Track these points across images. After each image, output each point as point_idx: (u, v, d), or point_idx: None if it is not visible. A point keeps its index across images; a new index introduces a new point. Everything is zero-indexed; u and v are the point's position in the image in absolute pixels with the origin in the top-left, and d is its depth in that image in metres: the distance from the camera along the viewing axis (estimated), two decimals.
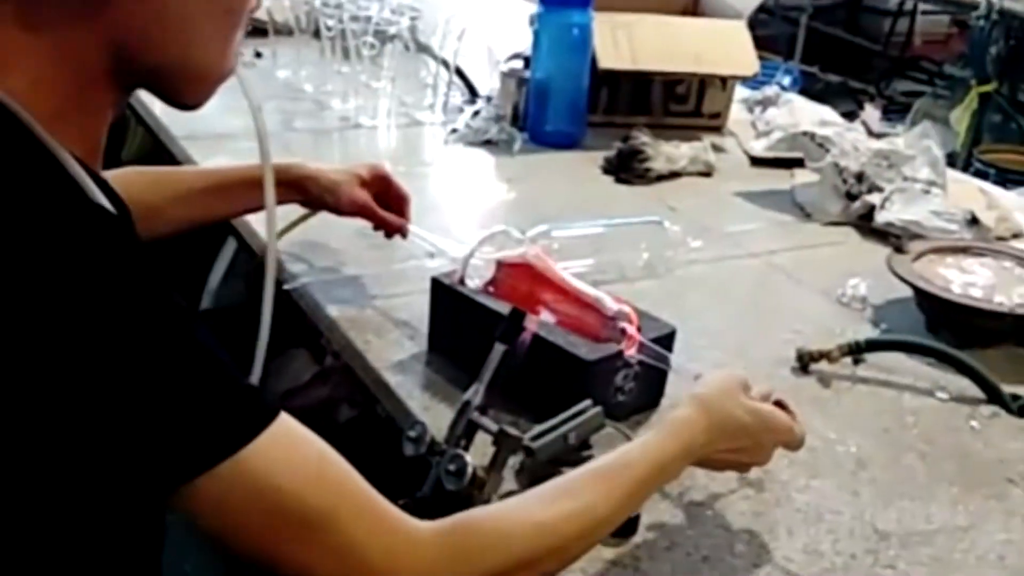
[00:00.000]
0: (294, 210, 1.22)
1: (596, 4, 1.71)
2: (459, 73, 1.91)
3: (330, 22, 1.77)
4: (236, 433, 0.61)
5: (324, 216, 1.23)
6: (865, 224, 1.50)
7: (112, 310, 0.57)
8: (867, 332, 1.22)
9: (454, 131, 1.74)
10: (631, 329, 0.94)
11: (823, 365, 1.12)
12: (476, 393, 0.89)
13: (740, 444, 0.84)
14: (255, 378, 0.85)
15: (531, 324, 0.93)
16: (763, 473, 0.93)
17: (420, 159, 1.70)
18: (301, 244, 1.28)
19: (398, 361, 1.06)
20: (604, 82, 1.80)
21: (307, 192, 1.19)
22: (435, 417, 0.96)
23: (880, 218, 1.47)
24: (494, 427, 0.86)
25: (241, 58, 2.02)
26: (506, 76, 1.79)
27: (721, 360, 1.12)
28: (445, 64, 1.84)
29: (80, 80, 0.66)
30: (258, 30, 2.08)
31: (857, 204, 1.51)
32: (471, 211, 1.52)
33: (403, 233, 1.22)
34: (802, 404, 1.03)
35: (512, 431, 0.86)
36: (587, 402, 0.91)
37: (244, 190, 1.15)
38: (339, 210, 1.20)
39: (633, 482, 0.76)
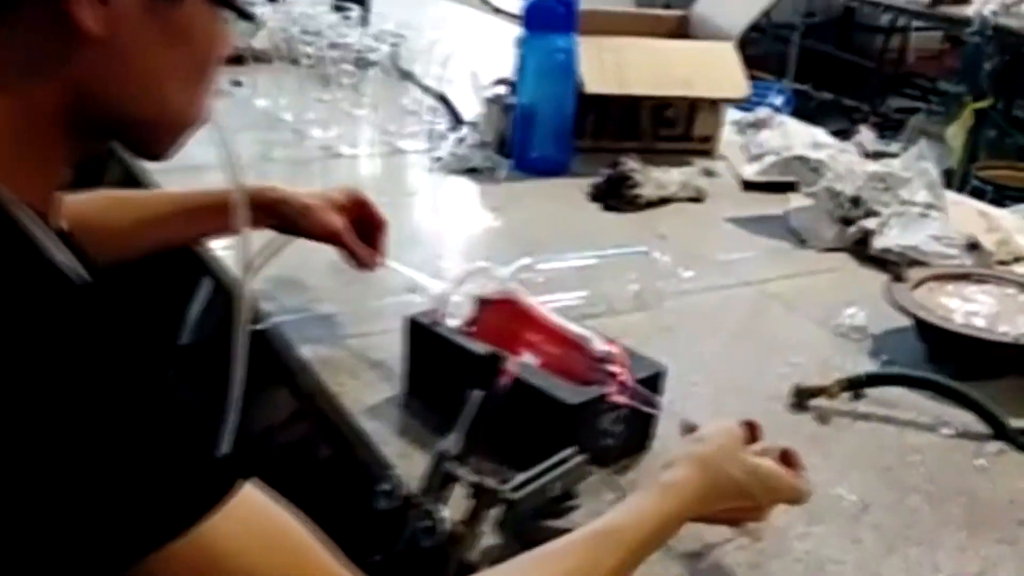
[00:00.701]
0: (266, 236, 1.16)
1: (582, 28, 1.66)
2: (443, 99, 1.87)
3: (309, 49, 1.72)
4: (192, 509, 0.57)
5: (299, 250, 1.17)
6: (862, 250, 1.45)
7: (63, 380, 0.54)
8: (866, 364, 1.17)
9: (438, 159, 1.70)
10: (618, 371, 0.90)
11: (821, 401, 1.07)
12: (452, 442, 0.83)
13: (737, 504, 0.78)
14: (231, 416, 0.81)
15: (511, 367, 0.88)
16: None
17: (403, 188, 1.66)
18: (275, 280, 1.23)
19: (373, 405, 1.01)
20: (591, 107, 1.75)
21: (280, 215, 1.13)
22: (412, 465, 0.91)
23: (877, 244, 1.42)
24: (471, 479, 0.81)
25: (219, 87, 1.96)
26: (491, 102, 1.75)
27: (714, 397, 1.07)
28: (428, 90, 1.80)
29: (36, 132, 0.64)
30: (236, 58, 2.04)
31: (853, 229, 1.46)
32: (455, 242, 1.47)
33: (374, 265, 1.16)
34: (800, 443, 0.98)
35: (490, 483, 0.80)
36: (571, 449, 0.86)
37: (213, 214, 1.11)
38: (311, 234, 1.14)
39: (624, 549, 0.71)
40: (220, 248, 1.29)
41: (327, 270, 1.24)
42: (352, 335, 1.14)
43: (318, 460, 1.41)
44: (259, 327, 1.10)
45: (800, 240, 1.51)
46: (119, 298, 0.65)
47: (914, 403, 1.08)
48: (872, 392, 1.08)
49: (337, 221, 1.14)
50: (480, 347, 0.95)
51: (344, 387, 1.03)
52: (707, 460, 0.77)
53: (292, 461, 1.42)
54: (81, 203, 1.11)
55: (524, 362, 0.92)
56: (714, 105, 1.83)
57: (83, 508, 0.54)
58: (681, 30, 1.94)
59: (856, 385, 1.07)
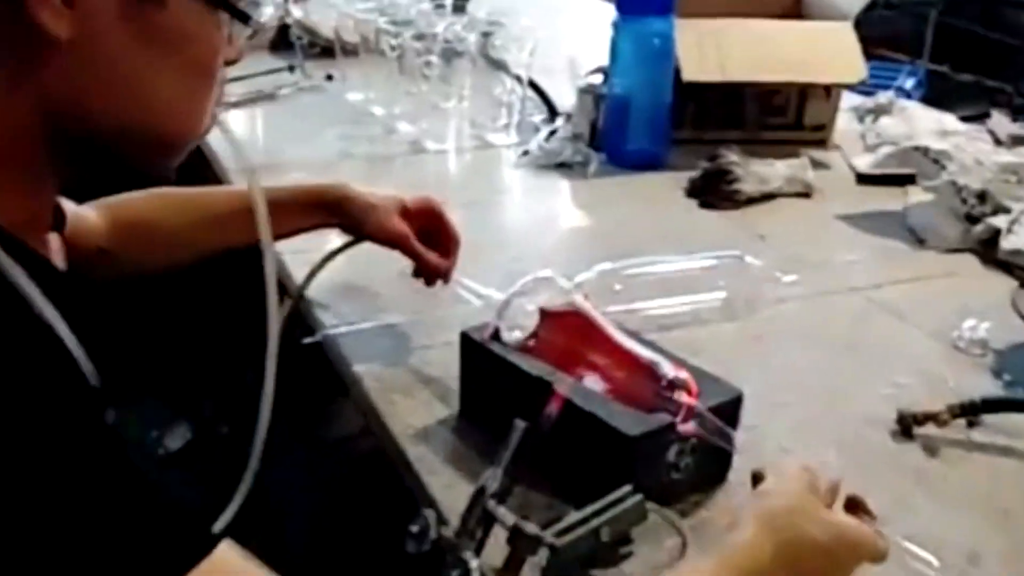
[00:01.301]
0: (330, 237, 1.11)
1: (681, 11, 1.55)
2: (536, 89, 1.78)
3: (393, 41, 1.66)
4: (165, 571, 0.51)
5: (368, 255, 1.10)
6: (989, 252, 1.30)
7: (27, 437, 0.49)
8: (986, 384, 1.03)
9: (525, 153, 1.61)
10: (686, 399, 0.79)
11: (930, 428, 0.94)
12: (492, 478, 0.75)
13: (814, 567, 0.67)
14: (263, 425, 0.80)
15: (562, 391, 0.79)
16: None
17: (486, 185, 1.57)
18: (338, 287, 1.17)
19: (422, 427, 0.93)
20: (691, 95, 1.63)
21: (344, 214, 1.08)
22: (458, 498, 0.82)
23: (1006, 244, 1.27)
24: (510, 520, 0.72)
25: (310, 80, 1.92)
26: (583, 92, 1.65)
27: (804, 421, 0.95)
28: (520, 80, 1.71)
29: (14, 151, 0.60)
30: (326, 51, 2.00)
31: (979, 228, 1.31)
32: (535, 244, 1.37)
33: (444, 278, 1.09)
34: (902, 479, 0.87)
35: (530, 527, 0.72)
36: (626, 488, 0.76)
37: (277, 214, 1.06)
38: (374, 237, 1.08)
39: None
40: (287, 252, 1.24)
41: (394, 277, 1.16)
42: (413, 348, 1.06)
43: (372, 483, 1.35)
44: (308, 340, 1.04)
45: (918, 240, 1.36)
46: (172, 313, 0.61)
47: None
48: (991, 419, 0.95)
49: (402, 225, 1.08)
50: (536, 367, 0.86)
51: (395, 406, 0.96)
52: (779, 516, 0.66)
53: (360, 475, 1.36)
54: (134, 202, 1.08)
55: (582, 386, 0.83)
56: (827, 91, 1.68)
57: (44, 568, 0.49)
58: (793, 10, 1.79)
59: (971, 411, 0.93)
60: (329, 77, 1.97)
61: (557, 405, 0.78)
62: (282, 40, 2.12)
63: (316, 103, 1.89)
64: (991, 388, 1.02)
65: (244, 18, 0.66)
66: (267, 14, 1.95)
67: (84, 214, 1.01)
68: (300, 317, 1.15)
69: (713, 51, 1.59)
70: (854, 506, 0.72)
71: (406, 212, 1.09)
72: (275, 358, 0.79)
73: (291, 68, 1.96)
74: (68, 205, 0.92)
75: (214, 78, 0.67)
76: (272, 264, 0.79)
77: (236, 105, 1.84)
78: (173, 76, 0.64)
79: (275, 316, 0.78)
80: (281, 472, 1.69)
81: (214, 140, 1.62)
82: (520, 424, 0.76)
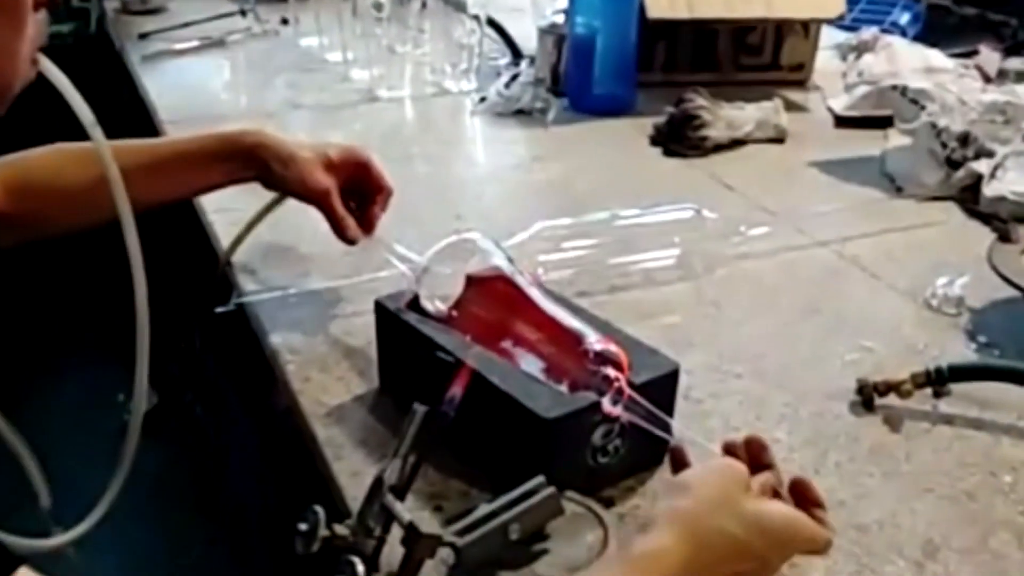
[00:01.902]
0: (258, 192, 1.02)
1: None
2: (499, 30, 1.68)
3: None
4: None
5: (298, 212, 1.01)
6: (971, 199, 1.21)
7: None
8: (960, 347, 0.95)
9: (482, 100, 1.51)
10: (614, 374, 0.71)
11: (892, 399, 0.85)
12: (391, 469, 0.67)
13: (738, 568, 0.59)
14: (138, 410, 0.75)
15: (467, 370, 0.72)
16: (788, 567, 0.68)
17: (435, 136, 1.48)
18: (264, 249, 1.09)
19: (336, 406, 0.84)
20: (660, 35, 1.53)
21: (261, 165, 0.98)
22: (363, 487, 0.74)
23: (989, 191, 1.18)
24: (405, 518, 0.64)
25: (263, 25, 1.81)
26: (544, 33, 1.55)
27: (756, 394, 0.87)
28: (478, 20, 1.61)
29: None
30: None
31: (960, 173, 1.22)
32: (482, 199, 1.27)
33: (356, 238, 0.99)
34: (858, 458, 0.79)
35: (427, 526, 0.64)
36: (539, 479, 0.68)
37: (193, 167, 0.99)
38: (293, 191, 0.99)
39: None
40: (212, 211, 1.16)
41: (324, 238, 1.08)
42: (337, 316, 0.98)
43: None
44: (221, 310, 0.96)
45: (896, 188, 1.27)
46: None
47: (1016, 403, 0.85)
48: (959, 388, 0.86)
49: (324, 180, 0.98)
50: (452, 341, 0.78)
51: (309, 382, 0.88)
52: (693, 518, 0.59)
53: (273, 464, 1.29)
54: (30, 160, 0.99)
55: (499, 362, 0.75)
56: (806, 28, 1.58)
57: None
58: None
59: (938, 380, 0.85)
60: (284, 21, 1.87)
61: (461, 386, 0.70)
62: None
63: (267, 49, 1.79)
64: (965, 351, 0.94)
65: None
66: None
67: None
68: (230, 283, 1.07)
69: None
70: (800, 492, 0.64)
71: (330, 164, 0.99)
72: (147, 339, 0.71)
73: (243, 12, 1.86)
74: None
75: (23, 18, 0.58)
76: (132, 235, 0.70)
77: (181, 53, 1.74)
78: None
79: (142, 291, 0.69)
80: (235, 447, 1.63)
81: (153, 91, 1.56)
82: (420, 408, 0.68)
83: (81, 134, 0.78)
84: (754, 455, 0.65)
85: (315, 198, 0.98)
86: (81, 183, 0.96)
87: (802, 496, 0.64)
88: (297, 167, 0.97)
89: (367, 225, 1.00)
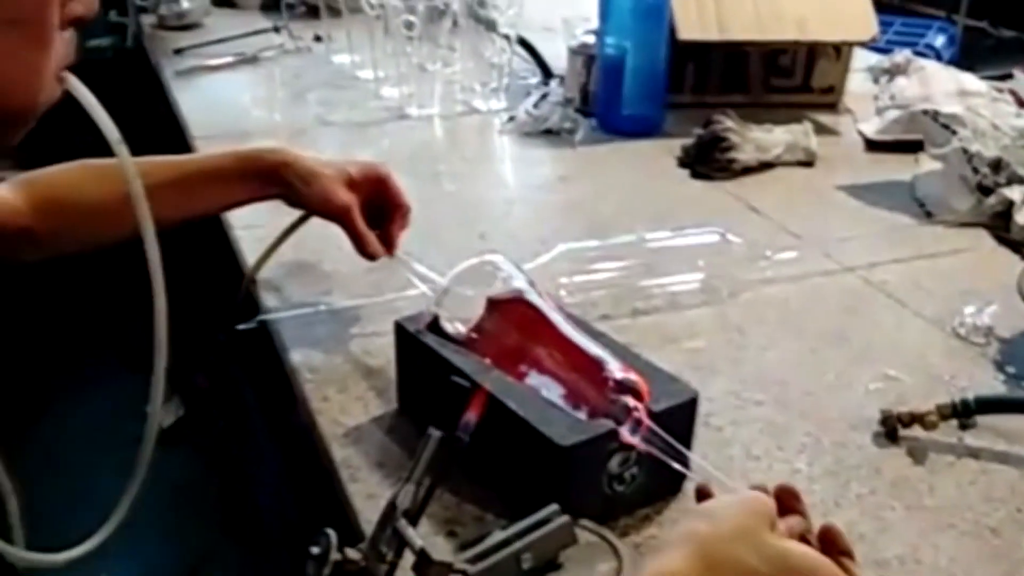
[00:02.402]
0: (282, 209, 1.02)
1: None
2: (530, 50, 1.68)
3: None
4: None
5: (322, 229, 1.01)
6: (1002, 227, 1.19)
7: None
8: (987, 378, 0.93)
9: (511, 119, 1.51)
10: (633, 403, 0.71)
11: (917, 431, 0.84)
12: (404, 494, 0.67)
13: None
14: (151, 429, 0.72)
15: (484, 395, 0.71)
16: None
17: (462, 155, 1.48)
18: (287, 265, 1.09)
19: (354, 427, 0.84)
20: (690, 56, 1.53)
21: (283, 182, 0.98)
22: (378, 511, 0.74)
23: (1021, 218, 1.16)
24: (417, 543, 0.64)
25: (296, 42, 1.83)
26: (573, 53, 1.55)
27: (778, 423, 0.86)
28: (508, 40, 1.61)
29: None
30: (313, 10, 1.92)
31: (991, 200, 1.20)
32: (507, 220, 1.27)
33: (378, 255, 1.00)
34: (880, 490, 0.78)
35: (439, 553, 0.63)
36: (553, 507, 0.68)
37: (219, 184, 0.99)
38: (315, 208, 1.00)
39: None
40: (238, 228, 1.16)
41: (347, 256, 1.08)
42: (358, 336, 0.98)
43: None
44: (243, 327, 0.96)
45: (926, 214, 1.25)
46: None
47: None
48: (986, 420, 0.85)
49: (345, 197, 0.98)
50: (471, 364, 0.78)
51: (327, 402, 0.88)
52: (709, 543, 0.57)
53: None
54: (56, 176, 1.00)
55: (518, 387, 0.75)
56: (838, 50, 1.57)
57: None
58: None
59: (963, 412, 0.84)
60: (317, 38, 1.89)
61: (477, 410, 0.70)
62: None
63: (300, 66, 1.81)
64: (992, 382, 0.93)
65: None
66: None
67: None
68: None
69: (711, 7, 1.48)
70: (829, 540, 0.63)
71: (351, 182, 0.99)
72: (164, 353, 0.70)
73: (276, 29, 1.88)
74: None
75: (48, 36, 0.58)
76: (154, 251, 0.70)
77: (214, 69, 1.76)
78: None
79: (161, 306, 0.69)
80: (257, 462, 1.63)
81: (185, 106, 1.57)
82: (435, 433, 0.68)
83: (110, 151, 0.78)
84: (785, 501, 0.64)
85: (337, 215, 0.99)
86: (106, 199, 0.97)
87: (831, 545, 0.62)
88: (319, 185, 0.98)
89: (388, 243, 1.00)
